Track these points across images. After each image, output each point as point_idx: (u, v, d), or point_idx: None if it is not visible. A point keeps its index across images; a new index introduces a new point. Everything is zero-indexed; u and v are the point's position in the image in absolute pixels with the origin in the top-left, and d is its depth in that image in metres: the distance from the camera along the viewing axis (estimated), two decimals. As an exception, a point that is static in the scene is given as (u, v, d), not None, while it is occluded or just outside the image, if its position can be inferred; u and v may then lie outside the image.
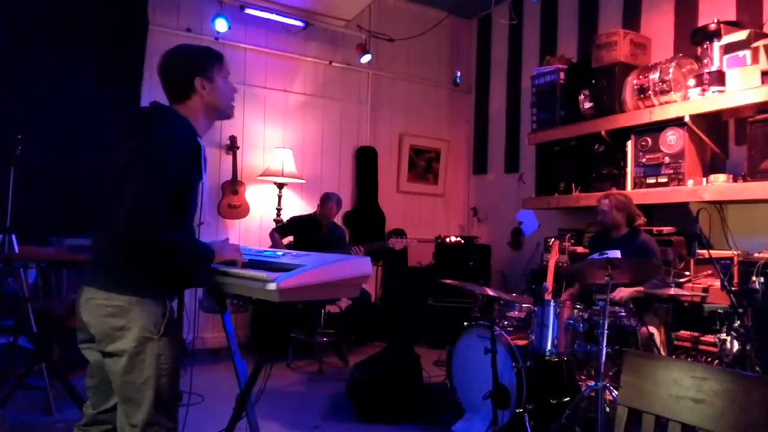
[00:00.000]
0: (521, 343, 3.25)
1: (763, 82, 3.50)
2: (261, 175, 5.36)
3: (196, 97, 1.88)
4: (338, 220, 5.48)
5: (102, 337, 1.74)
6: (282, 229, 5.00)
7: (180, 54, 1.92)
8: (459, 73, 6.62)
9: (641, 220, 3.75)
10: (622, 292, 3.34)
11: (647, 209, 4.09)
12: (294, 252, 2.04)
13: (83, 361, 1.88)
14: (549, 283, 3.78)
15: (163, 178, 1.69)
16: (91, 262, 1.84)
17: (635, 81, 4.24)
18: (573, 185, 4.77)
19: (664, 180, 4.07)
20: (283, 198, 5.45)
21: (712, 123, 4.04)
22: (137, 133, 1.78)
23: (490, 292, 3.32)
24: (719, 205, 3.89)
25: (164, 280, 1.79)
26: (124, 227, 1.64)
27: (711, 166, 4.07)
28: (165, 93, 1.90)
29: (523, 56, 6.13)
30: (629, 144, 4.32)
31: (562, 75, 4.94)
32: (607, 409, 2.90)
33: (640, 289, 3.36)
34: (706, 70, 3.85)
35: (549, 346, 3.15)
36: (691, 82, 3.95)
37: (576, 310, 3.20)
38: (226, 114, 2.00)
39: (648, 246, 3.61)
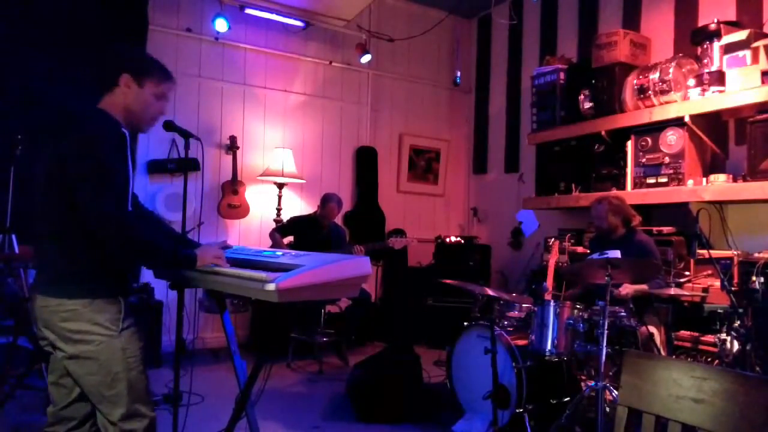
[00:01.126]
0: (521, 343, 3.24)
1: (763, 82, 3.50)
2: (261, 175, 5.36)
3: (118, 92, 1.88)
4: (338, 220, 5.48)
5: (62, 341, 1.75)
6: (282, 229, 5.00)
7: (128, 49, 1.97)
8: (459, 73, 6.62)
9: (637, 219, 3.75)
10: (627, 288, 3.34)
11: (647, 209, 4.09)
12: (293, 252, 2.04)
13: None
14: (549, 283, 3.78)
15: (111, 167, 1.71)
16: (38, 269, 1.85)
17: (635, 81, 4.24)
18: (573, 185, 4.77)
19: (664, 180, 4.07)
20: (283, 198, 5.45)
21: (712, 123, 4.04)
22: (64, 136, 1.80)
23: (490, 292, 3.32)
24: (719, 205, 3.89)
25: (114, 278, 1.81)
26: (95, 225, 1.68)
27: (711, 166, 4.07)
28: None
29: (523, 56, 6.13)
30: (629, 144, 4.32)
31: (562, 75, 4.94)
32: (607, 409, 2.90)
33: (644, 287, 3.36)
34: (706, 70, 3.85)
35: (549, 346, 3.15)
36: (691, 82, 3.95)
37: (576, 310, 3.20)
38: (138, 126, 1.96)
39: (646, 246, 3.61)
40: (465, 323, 3.48)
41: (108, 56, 1.92)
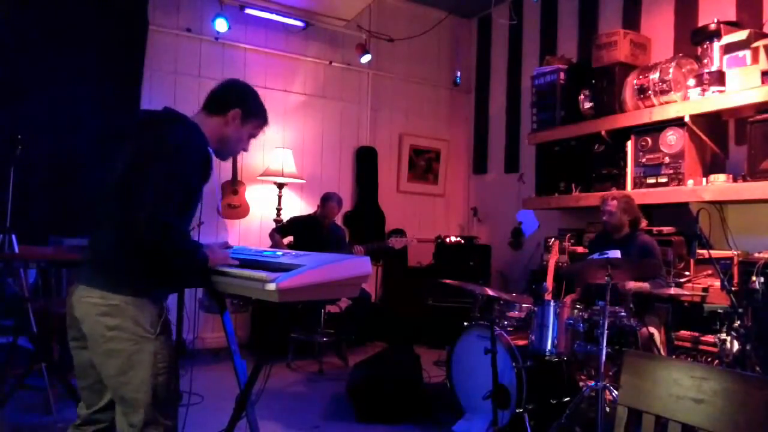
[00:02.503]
0: (521, 343, 3.24)
1: (763, 82, 3.50)
2: (261, 175, 5.36)
3: (221, 120, 1.94)
4: (338, 220, 5.48)
5: (96, 337, 1.73)
6: (282, 229, 5.00)
7: (246, 86, 2.04)
8: (459, 73, 6.62)
9: (644, 222, 3.76)
10: (630, 284, 3.34)
11: (647, 209, 4.09)
12: (293, 252, 2.04)
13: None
14: (549, 283, 3.78)
15: (182, 179, 1.72)
16: (88, 260, 1.83)
17: (635, 81, 4.24)
18: (573, 185, 4.77)
19: (664, 180, 4.07)
20: (283, 198, 5.45)
21: (712, 123, 4.04)
22: (149, 132, 1.79)
23: (490, 292, 3.32)
24: (719, 205, 3.89)
25: (162, 280, 1.79)
26: (143, 221, 1.64)
27: (711, 166, 4.07)
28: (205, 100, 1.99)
29: (523, 56, 6.13)
30: (629, 144, 4.32)
31: (562, 75, 4.94)
32: (607, 409, 2.90)
33: (646, 285, 3.36)
34: (706, 70, 3.85)
35: (549, 346, 3.15)
36: (691, 82, 3.95)
37: (576, 310, 3.20)
38: (221, 152, 2.01)
39: (649, 247, 3.61)
40: (465, 323, 3.48)
41: (229, 86, 2.01)
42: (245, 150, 2.08)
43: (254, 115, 2.00)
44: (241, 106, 1.95)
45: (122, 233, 1.72)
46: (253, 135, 2.04)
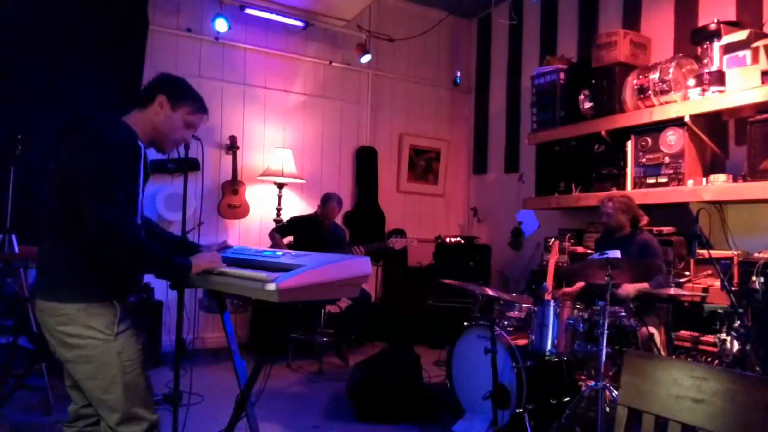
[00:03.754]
0: (521, 343, 3.24)
1: (763, 82, 3.50)
2: (261, 175, 5.36)
3: (150, 110, 1.92)
4: (338, 220, 5.48)
5: (58, 345, 1.77)
6: (282, 229, 5.00)
7: (172, 75, 2.01)
8: (459, 73, 6.63)
9: (645, 220, 3.76)
10: (628, 288, 3.34)
11: (647, 209, 4.08)
12: (293, 252, 2.04)
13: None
14: (549, 283, 3.78)
15: (115, 177, 1.71)
16: (38, 271, 1.86)
17: (635, 81, 4.24)
18: (573, 185, 4.77)
19: (664, 180, 4.07)
20: (283, 198, 5.45)
21: (712, 123, 4.04)
22: (73, 140, 1.80)
23: (490, 292, 3.32)
24: (719, 205, 3.89)
25: (110, 283, 1.81)
26: (93, 234, 1.67)
27: (711, 166, 4.07)
28: None
29: (523, 56, 6.13)
30: (629, 144, 4.32)
31: (562, 75, 4.94)
32: (607, 409, 2.90)
33: (645, 285, 3.36)
34: (706, 70, 3.85)
35: (549, 346, 3.15)
36: (691, 82, 3.95)
37: (576, 310, 3.20)
38: (161, 145, 1.99)
39: (650, 245, 3.61)
40: (465, 323, 3.48)
41: (154, 78, 1.98)
42: (187, 141, 2.03)
43: (182, 99, 1.94)
44: (164, 91, 1.92)
45: (64, 243, 1.75)
46: (190, 123, 1.98)
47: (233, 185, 5.26)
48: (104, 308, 1.77)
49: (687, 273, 3.81)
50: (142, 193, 1.83)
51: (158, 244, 2.03)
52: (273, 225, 5.24)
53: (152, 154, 2.07)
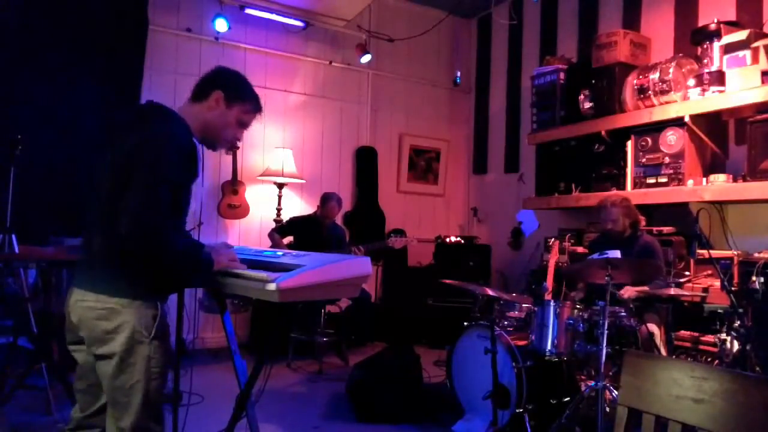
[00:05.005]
0: (521, 343, 3.24)
1: (763, 82, 3.50)
2: (261, 175, 5.36)
3: (205, 105, 1.89)
4: (338, 220, 5.48)
5: (93, 340, 1.72)
6: (281, 229, 5.00)
7: (231, 70, 1.97)
8: (459, 73, 6.62)
9: (643, 221, 3.76)
10: (629, 291, 3.34)
11: (647, 209, 4.09)
12: (294, 252, 2.04)
13: (83, 361, 1.87)
14: (549, 283, 3.78)
15: (166, 177, 1.67)
16: (82, 262, 1.81)
17: (635, 81, 4.24)
18: (573, 185, 4.77)
19: (664, 180, 4.07)
20: (283, 198, 5.45)
21: (712, 123, 4.04)
22: (133, 131, 1.75)
23: (490, 292, 3.32)
24: (719, 205, 3.89)
25: (157, 282, 1.77)
26: (127, 229, 1.61)
27: (711, 166, 4.07)
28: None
29: (523, 56, 6.13)
30: (629, 144, 4.32)
31: (562, 75, 4.94)
32: (607, 409, 2.90)
33: (646, 288, 3.36)
34: (706, 70, 3.85)
35: (549, 346, 3.15)
36: (691, 82, 3.95)
37: (576, 310, 3.20)
38: (212, 141, 1.95)
39: (651, 247, 3.61)
40: (465, 323, 3.48)
41: (212, 71, 1.94)
42: (238, 139, 1.99)
43: (239, 97, 1.90)
44: (222, 88, 1.88)
45: (114, 236, 1.68)
46: (243, 122, 1.94)
47: (233, 185, 5.26)
48: (147, 308, 1.73)
49: (687, 273, 3.81)
50: (191, 194, 1.79)
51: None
52: (273, 225, 5.24)
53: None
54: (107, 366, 1.71)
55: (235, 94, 1.90)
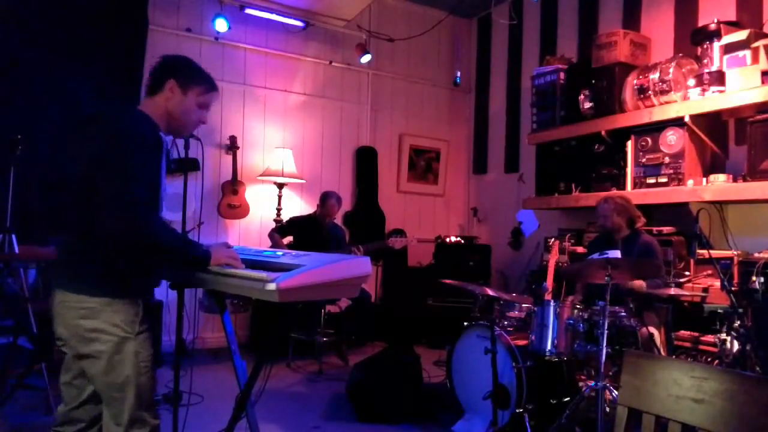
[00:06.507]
0: (521, 343, 3.24)
1: (763, 82, 3.50)
2: (261, 175, 5.36)
3: (162, 96, 1.90)
4: (338, 220, 5.48)
5: (76, 340, 1.74)
6: (281, 229, 5.00)
7: (178, 56, 1.98)
8: (459, 73, 6.62)
9: (642, 221, 3.75)
10: (638, 282, 3.33)
11: (647, 209, 4.09)
12: (294, 252, 2.04)
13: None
14: (549, 283, 3.78)
15: (139, 173, 1.69)
16: (60, 263, 1.83)
17: (635, 81, 4.24)
18: (573, 185, 4.77)
19: (664, 180, 4.07)
20: (283, 198, 5.45)
21: (712, 123, 4.04)
22: (98, 132, 1.77)
23: (490, 292, 3.31)
24: (719, 205, 3.89)
25: (136, 279, 1.79)
26: (115, 226, 1.64)
27: (711, 166, 4.07)
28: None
29: (523, 56, 6.13)
30: (629, 144, 4.32)
31: (562, 75, 4.94)
32: (607, 409, 2.90)
33: (644, 284, 3.36)
34: (706, 70, 3.85)
35: (549, 346, 3.15)
36: (691, 82, 3.95)
37: (576, 310, 3.20)
38: (178, 129, 1.97)
39: (651, 247, 3.61)
40: (465, 323, 3.48)
41: (159, 63, 1.95)
42: (203, 122, 2.00)
43: (192, 81, 1.92)
44: (174, 76, 1.90)
45: (90, 237, 1.73)
46: (203, 103, 1.96)
47: (233, 185, 5.26)
48: (128, 305, 1.76)
49: (687, 273, 3.81)
50: (163, 184, 1.81)
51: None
52: (273, 225, 5.24)
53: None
54: (94, 365, 1.74)
55: (187, 80, 1.92)
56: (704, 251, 3.12)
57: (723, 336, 3.20)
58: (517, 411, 3.04)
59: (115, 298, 1.74)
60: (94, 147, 1.73)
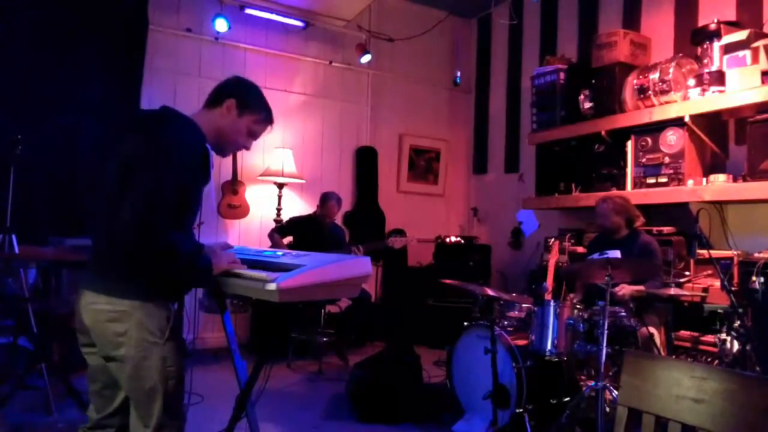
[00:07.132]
0: (521, 343, 3.24)
1: (763, 82, 3.50)
2: (261, 175, 5.36)
3: (218, 112, 1.91)
4: (338, 220, 5.48)
5: (104, 343, 1.71)
6: (281, 229, 5.00)
7: (245, 80, 2.02)
8: (459, 73, 6.62)
9: (640, 221, 3.75)
10: (625, 289, 3.34)
11: (647, 209, 4.09)
12: (294, 252, 2.04)
13: (83, 361, 1.86)
14: (549, 283, 3.78)
15: (173, 180, 1.66)
16: (92, 264, 1.80)
17: (635, 81, 4.24)
18: (573, 185, 4.77)
19: (664, 180, 4.07)
20: (283, 198, 5.45)
21: (712, 123, 4.04)
22: (143, 133, 1.75)
23: (490, 292, 3.31)
24: (719, 205, 3.89)
25: (167, 284, 1.76)
26: (128, 229, 1.60)
27: (711, 166, 4.07)
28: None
29: (523, 56, 6.13)
30: (629, 144, 4.32)
31: (562, 75, 4.94)
32: (607, 409, 2.90)
33: (641, 288, 3.36)
34: (706, 70, 3.85)
35: (549, 346, 3.15)
36: (691, 82, 3.95)
37: (576, 310, 3.20)
38: (221, 147, 1.97)
39: (650, 247, 3.61)
40: (465, 323, 3.48)
41: (227, 80, 1.98)
42: (246, 148, 2.01)
43: (251, 107, 1.93)
44: (235, 96, 1.91)
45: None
46: (253, 132, 1.97)
47: (233, 185, 5.26)
48: (159, 309, 1.72)
49: (687, 273, 3.81)
50: (200, 197, 1.81)
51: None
52: (273, 225, 5.24)
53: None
54: (122, 369, 1.70)
55: (247, 103, 1.93)
56: (704, 251, 3.12)
57: (723, 336, 3.20)
58: (517, 411, 3.04)
59: (146, 301, 1.70)
60: (135, 150, 1.70)
